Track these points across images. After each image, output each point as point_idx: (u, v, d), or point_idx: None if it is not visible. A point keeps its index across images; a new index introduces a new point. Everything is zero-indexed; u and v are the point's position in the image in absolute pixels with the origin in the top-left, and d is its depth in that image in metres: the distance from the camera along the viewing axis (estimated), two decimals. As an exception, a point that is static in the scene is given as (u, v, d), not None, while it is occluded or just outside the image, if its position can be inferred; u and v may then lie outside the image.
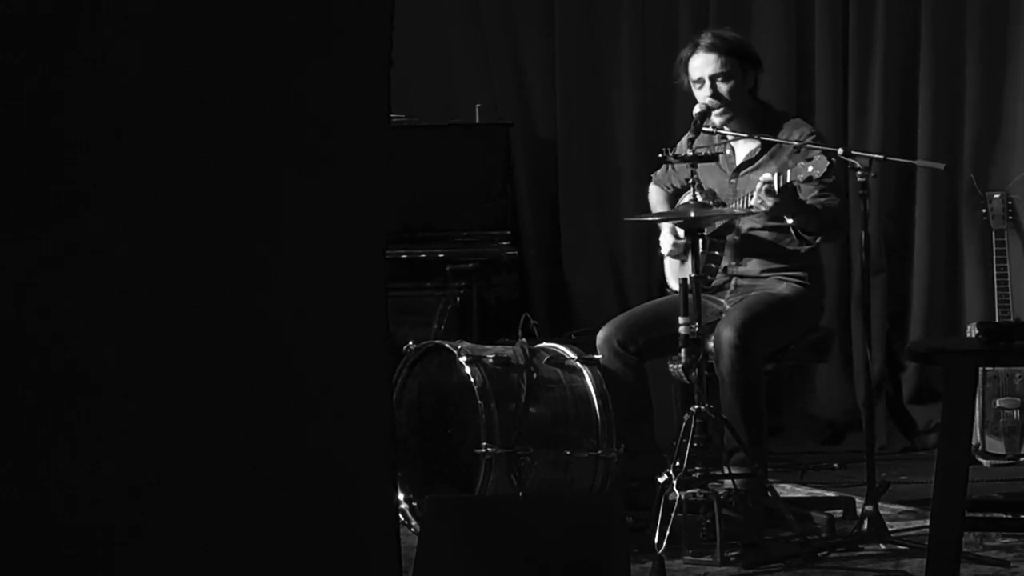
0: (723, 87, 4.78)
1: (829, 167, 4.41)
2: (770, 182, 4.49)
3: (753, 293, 4.80)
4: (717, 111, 4.78)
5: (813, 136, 4.76)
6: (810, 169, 4.43)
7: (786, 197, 4.52)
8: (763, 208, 4.54)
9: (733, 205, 4.74)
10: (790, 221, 4.67)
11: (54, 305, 1.90)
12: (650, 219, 5.08)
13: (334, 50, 2.08)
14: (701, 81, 4.80)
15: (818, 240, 4.75)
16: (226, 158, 2.00)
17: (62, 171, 1.91)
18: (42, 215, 1.90)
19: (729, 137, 4.85)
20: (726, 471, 4.43)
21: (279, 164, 2.04)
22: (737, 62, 4.81)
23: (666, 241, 4.97)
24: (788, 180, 4.49)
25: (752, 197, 4.61)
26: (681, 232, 4.84)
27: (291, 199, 2.06)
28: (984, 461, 5.75)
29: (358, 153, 2.11)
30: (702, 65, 4.80)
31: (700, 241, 4.46)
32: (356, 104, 2.10)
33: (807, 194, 4.67)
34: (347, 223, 2.10)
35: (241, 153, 2.02)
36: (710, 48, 4.80)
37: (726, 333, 4.56)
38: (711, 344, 4.59)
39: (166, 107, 1.96)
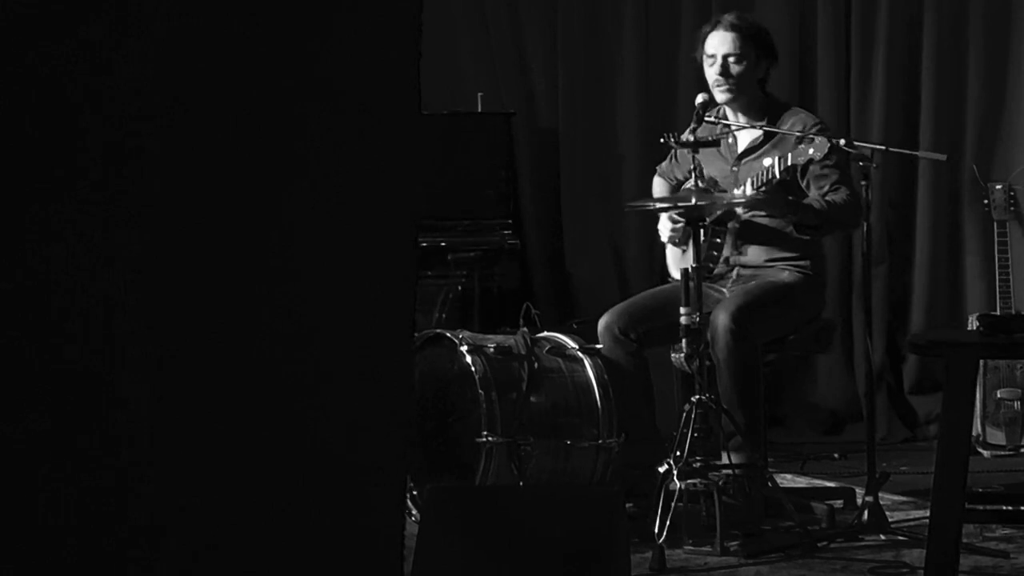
0: (734, 68, 4.78)
1: (830, 148, 4.42)
2: (763, 174, 4.51)
3: (754, 281, 4.81)
4: (722, 88, 4.78)
5: (818, 125, 4.76)
6: (811, 151, 4.44)
7: (774, 201, 4.56)
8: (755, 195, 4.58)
9: (735, 193, 4.74)
10: (785, 222, 4.71)
11: (72, 300, 1.91)
12: (652, 207, 5.08)
13: (364, 33, 2.08)
14: (714, 58, 4.81)
15: (820, 233, 4.77)
16: (254, 147, 2.00)
17: (83, 155, 1.91)
18: (62, 200, 1.90)
19: (733, 127, 4.85)
20: (725, 456, 4.44)
21: (308, 152, 2.04)
22: (753, 47, 4.81)
23: (664, 227, 4.98)
24: (790, 164, 4.50)
25: (750, 186, 4.63)
26: (678, 217, 4.85)
27: (320, 188, 2.05)
28: (985, 452, 5.76)
29: (390, 141, 2.10)
30: (718, 43, 4.81)
31: (701, 229, 4.47)
32: (387, 89, 2.10)
33: (816, 187, 4.68)
34: (378, 213, 2.10)
35: (268, 141, 2.01)
36: (731, 27, 4.82)
37: (721, 317, 4.57)
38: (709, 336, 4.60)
39: (193, 95, 1.96)
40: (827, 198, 4.70)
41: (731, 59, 4.79)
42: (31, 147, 1.88)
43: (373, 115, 2.09)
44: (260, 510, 2.04)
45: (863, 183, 4.41)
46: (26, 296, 1.88)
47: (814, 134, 4.61)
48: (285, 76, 2.02)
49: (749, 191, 4.63)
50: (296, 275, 2.05)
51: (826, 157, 4.46)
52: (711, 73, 4.80)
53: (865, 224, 4.44)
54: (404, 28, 2.11)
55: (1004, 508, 3.71)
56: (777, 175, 4.54)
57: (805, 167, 4.60)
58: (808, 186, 4.72)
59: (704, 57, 4.85)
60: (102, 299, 1.92)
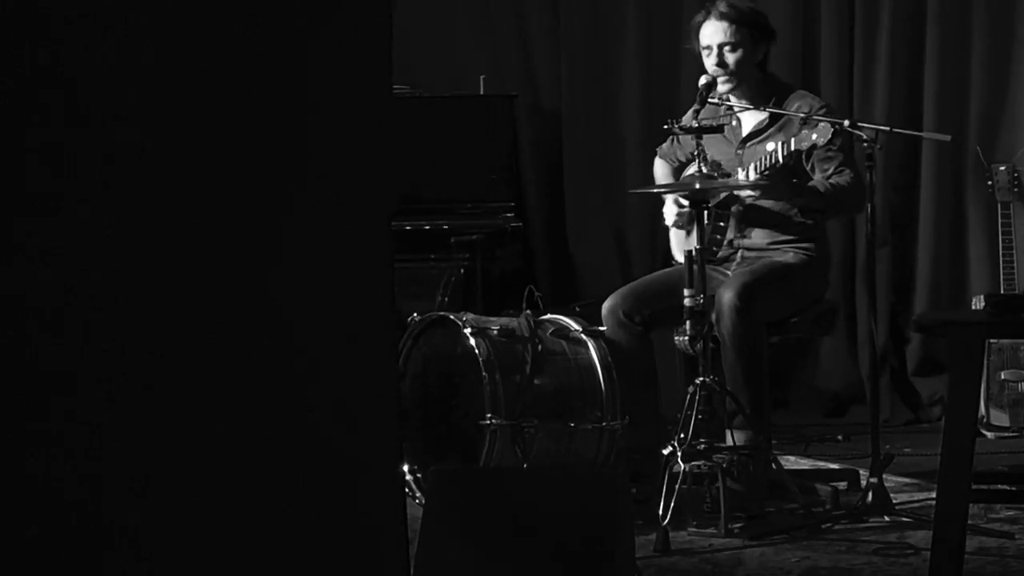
0: (731, 57, 4.76)
1: (833, 134, 4.41)
2: (765, 159, 4.50)
3: (759, 262, 4.80)
4: (722, 79, 4.77)
5: (824, 108, 4.75)
6: (814, 137, 4.43)
7: (779, 186, 4.55)
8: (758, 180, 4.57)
9: (739, 176, 4.73)
10: (790, 206, 4.71)
11: (55, 295, 1.90)
12: (655, 191, 5.07)
13: (335, 27, 2.08)
14: (709, 49, 4.79)
15: (827, 216, 4.77)
16: (229, 139, 2.00)
17: (73, 151, 1.91)
18: (45, 195, 1.90)
19: (736, 109, 4.84)
20: (729, 435, 4.43)
21: (280, 140, 2.04)
22: (748, 33, 4.79)
23: (669, 211, 4.96)
24: (792, 149, 4.49)
25: (753, 170, 4.62)
26: (684, 200, 4.84)
27: (292, 177, 2.05)
28: (988, 433, 5.75)
29: (361, 130, 2.10)
30: (712, 33, 4.79)
31: (705, 213, 4.46)
32: (359, 80, 2.10)
33: (820, 170, 4.68)
34: (350, 199, 2.10)
35: (244, 134, 2.01)
36: (722, 16, 4.79)
37: (727, 295, 4.56)
38: (715, 314, 4.59)
39: (171, 88, 1.96)
40: (831, 181, 4.69)
41: (727, 48, 4.77)
42: (21, 149, 1.87)
43: (346, 104, 2.09)
44: (258, 504, 2.04)
45: (867, 164, 4.40)
46: (17, 298, 1.88)
47: (819, 117, 4.59)
48: (270, 72, 2.02)
49: (752, 175, 4.62)
50: (277, 267, 2.05)
51: (830, 142, 4.45)
52: (709, 64, 4.79)
53: (869, 206, 4.43)
54: (376, 18, 2.11)
55: (1009, 489, 3.70)
56: (780, 160, 4.53)
57: (809, 151, 4.58)
58: (812, 169, 4.72)
59: (700, 48, 4.83)
60: (93, 296, 1.92)
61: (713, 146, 4.72)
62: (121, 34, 1.92)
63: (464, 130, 6.19)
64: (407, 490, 4.51)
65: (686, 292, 4.37)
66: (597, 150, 6.69)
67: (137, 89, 1.93)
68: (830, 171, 4.69)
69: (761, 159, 4.60)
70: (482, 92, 6.31)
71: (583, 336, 4.57)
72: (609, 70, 6.66)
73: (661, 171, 5.20)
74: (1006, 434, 5.76)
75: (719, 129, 4.60)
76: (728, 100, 4.84)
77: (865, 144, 4.38)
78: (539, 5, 6.76)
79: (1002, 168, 5.95)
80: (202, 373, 1.99)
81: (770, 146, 4.58)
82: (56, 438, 1.89)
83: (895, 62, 6.25)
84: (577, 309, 5.31)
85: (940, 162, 6.22)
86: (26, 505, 1.88)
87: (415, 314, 4.67)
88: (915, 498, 4.57)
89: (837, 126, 4.44)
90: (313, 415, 2.08)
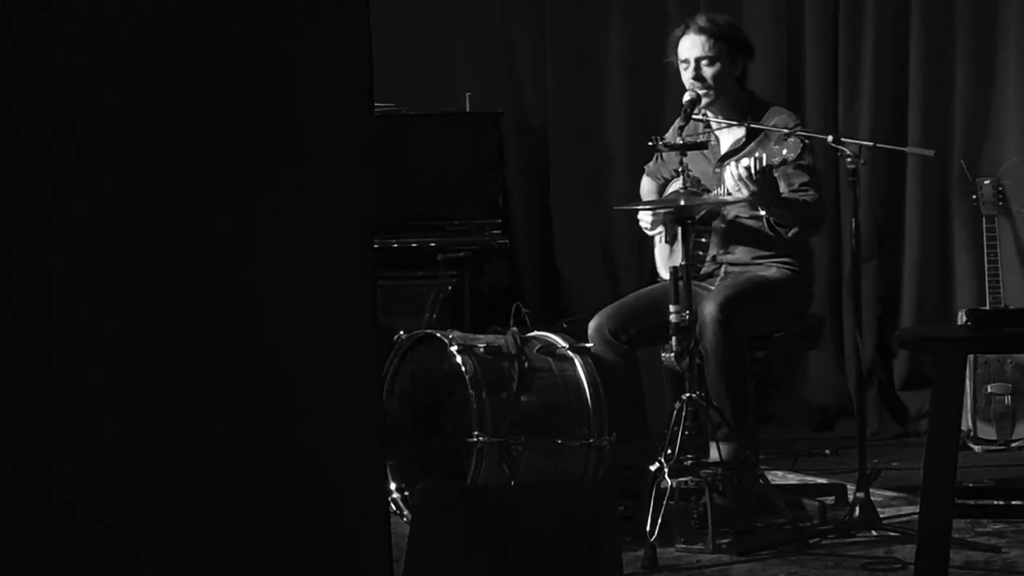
0: (708, 71, 4.77)
1: (803, 149, 4.42)
2: (748, 168, 4.50)
3: (742, 277, 4.81)
4: (700, 93, 4.78)
5: (799, 126, 4.76)
6: (784, 152, 4.44)
7: (763, 186, 4.54)
8: (739, 194, 4.56)
9: (717, 193, 4.74)
10: (762, 212, 4.69)
11: (55, 296, 1.91)
12: (639, 208, 5.08)
13: (315, 39, 2.09)
14: (687, 62, 4.80)
15: (791, 233, 4.76)
16: (211, 148, 2.01)
17: (72, 154, 1.92)
18: (44, 196, 1.91)
19: (721, 125, 4.85)
20: (714, 447, 4.44)
21: (263, 155, 2.05)
22: (726, 47, 4.80)
23: (645, 216, 4.97)
24: (764, 164, 4.50)
25: (730, 183, 4.62)
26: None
27: (274, 191, 2.06)
28: (975, 447, 5.77)
29: (341, 142, 2.11)
30: (690, 47, 4.81)
31: (688, 229, 4.47)
32: (339, 93, 2.11)
33: (786, 184, 4.68)
34: (331, 214, 2.10)
35: (226, 143, 2.02)
36: (701, 31, 4.80)
37: (709, 308, 4.56)
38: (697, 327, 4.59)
39: (150, 90, 1.97)
40: (795, 196, 4.70)
41: (704, 62, 4.79)
42: (20, 152, 1.88)
43: (325, 118, 2.09)
44: (244, 518, 2.04)
45: (851, 179, 4.41)
46: (17, 298, 1.88)
47: (799, 132, 4.60)
48: (248, 80, 2.03)
49: (731, 185, 4.60)
50: (257, 278, 2.05)
51: (799, 157, 4.47)
52: (687, 78, 4.80)
53: (854, 220, 4.44)
54: (354, 32, 2.12)
55: (995, 503, 3.71)
56: (753, 178, 4.53)
57: (779, 165, 4.59)
58: (774, 171, 4.72)
59: (678, 62, 4.85)
60: (93, 297, 1.93)
61: (694, 163, 4.72)
62: (117, 38, 1.93)
63: (451, 147, 6.20)
64: (394, 508, 4.51)
65: (671, 308, 4.38)
66: (584, 166, 6.70)
67: (136, 92, 1.94)
68: (795, 186, 4.70)
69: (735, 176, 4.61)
70: (468, 109, 6.33)
71: (570, 353, 4.58)
72: (595, 87, 6.67)
73: (647, 188, 5.21)
74: (993, 447, 5.77)
75: (703, 145, 4.61)
76: (706, 117, 4.84)
77: (849, 159, 4.39)
78: (525, 22, 6.77)
79: (987, 182, 5.97)
80: (196, 377, 2.00)
81: (745, 162, 4.59)
82: (57, 438, 1.90)
83: (879, 77, 6.27)
84: (565, 326, 5.32)
85: (925, 176, 6.24)
86: (26, 505, 1.89)
87: (402, 332, 4.68)
88: (902, 512, 4.58)
89: (807, 141, 4.46)
90: (297, 431, 2.09)
